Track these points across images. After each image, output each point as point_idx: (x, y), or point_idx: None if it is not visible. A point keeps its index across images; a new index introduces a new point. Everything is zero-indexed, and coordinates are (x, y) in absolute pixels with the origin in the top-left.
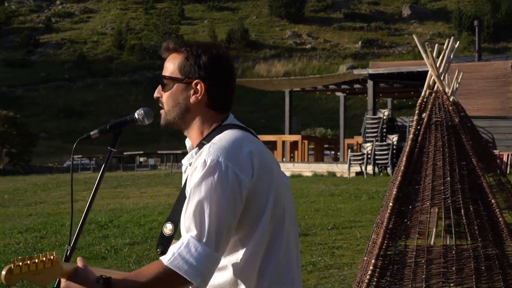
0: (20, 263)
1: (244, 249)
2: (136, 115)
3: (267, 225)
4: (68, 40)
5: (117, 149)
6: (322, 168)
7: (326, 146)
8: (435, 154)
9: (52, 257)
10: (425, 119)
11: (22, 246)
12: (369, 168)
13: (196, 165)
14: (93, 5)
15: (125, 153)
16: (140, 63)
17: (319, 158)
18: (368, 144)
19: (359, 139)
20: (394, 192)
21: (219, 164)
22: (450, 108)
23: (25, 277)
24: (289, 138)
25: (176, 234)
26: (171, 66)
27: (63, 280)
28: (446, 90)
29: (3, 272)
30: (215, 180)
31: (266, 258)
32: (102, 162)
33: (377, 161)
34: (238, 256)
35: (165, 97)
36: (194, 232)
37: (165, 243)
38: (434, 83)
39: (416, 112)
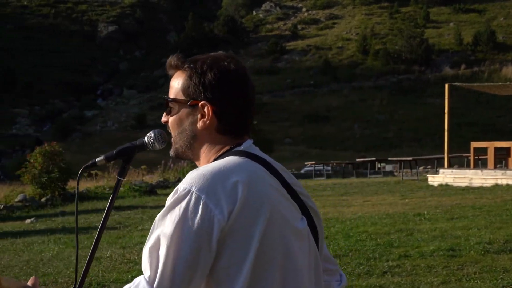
0: None
1: None
2: (146, 139)
3: (246, 282)
4: (313, 46)
5: (355, 156)
6: None
7: None
8: None
9: None
10: None
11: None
12: None
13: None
14: (338, 11)
15: (357, 160)
16: (384, 68)
17: None
18: None
19: None
20: None
21: (190, 194)
22: None
23: None
24: (502, 144)
25: None
26: (174, 86)
27: None
28: None
29: None
30: (180, 213)
31: None
32: (337, 168)
33: None
34: None
35: (170, 122)
36: (148, 272)
37: None
38: None
39: None
